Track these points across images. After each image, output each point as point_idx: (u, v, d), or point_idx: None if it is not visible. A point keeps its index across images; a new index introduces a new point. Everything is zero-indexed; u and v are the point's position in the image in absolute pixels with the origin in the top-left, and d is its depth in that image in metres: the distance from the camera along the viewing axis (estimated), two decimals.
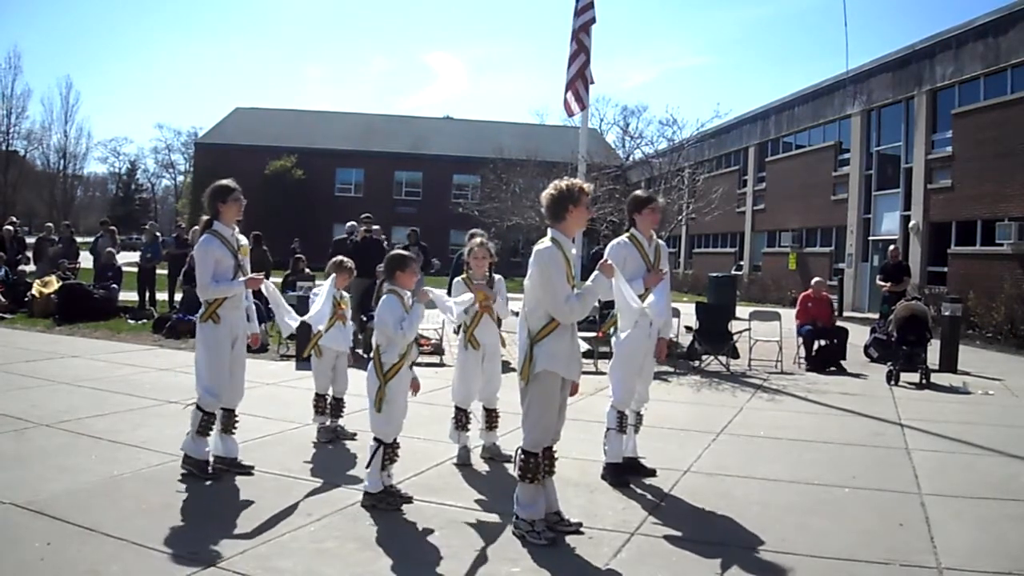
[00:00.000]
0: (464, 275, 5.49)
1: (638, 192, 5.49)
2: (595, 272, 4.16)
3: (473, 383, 5.45)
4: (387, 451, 4.39)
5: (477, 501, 4.61)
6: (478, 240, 5.53)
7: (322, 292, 5.52)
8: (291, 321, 5.20)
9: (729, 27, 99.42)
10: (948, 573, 3.70)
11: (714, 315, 11.32)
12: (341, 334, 5.95)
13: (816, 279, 11.64)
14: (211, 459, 4.89)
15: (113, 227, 17.66)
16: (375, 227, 11.83)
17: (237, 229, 5.00)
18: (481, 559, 3.73)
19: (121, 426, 6.01)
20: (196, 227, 11.50)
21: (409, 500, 4.45)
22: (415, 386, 4.65)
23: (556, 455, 4.19)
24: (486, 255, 5.45)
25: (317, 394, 5.99)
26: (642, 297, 4.80)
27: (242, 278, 4.90)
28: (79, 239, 19.18)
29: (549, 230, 4.09)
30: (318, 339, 5.85)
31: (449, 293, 5.11)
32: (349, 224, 12.10)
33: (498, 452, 5.50)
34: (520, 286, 4.20)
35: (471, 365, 5.44)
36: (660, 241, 5.30)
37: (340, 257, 6.13)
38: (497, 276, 5.55)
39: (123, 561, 3.51)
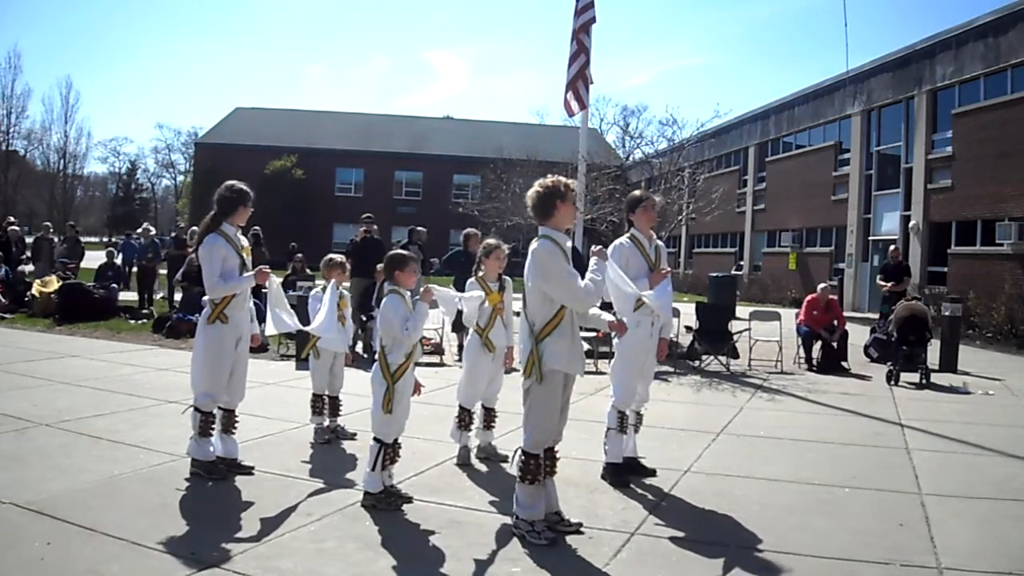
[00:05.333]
0: (479, 275, 5.49)
1: (633, 192, 5.52)
2: (593, 259, 4.19)
3: (481, 385, 5.46)
4: (388, 451, 4.39)
5: (477, 501, 4.61)
6: (495, 242, 5.56)
7: (325, 299, 5.44)
8: (288, 320, 5.03)
9: (729, 27, 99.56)
10: (948, 573, 3.70)
11: (714, 315, 11.31)
12: (339, 335, 5.94)
13: (822, 285, 11.55)
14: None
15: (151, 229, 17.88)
16: (374, 227, 11.84)
17: (239, 230, 5.01)
18: (481, 559, 3.73)
19: (121, 426, 6.01)
20: (194, 227, 11.54)
21: (409, 500, 4.45)
22: (417, 388, 4.64)
23: (557, 455, 4.19)
24: (505, 258, 5.49)
25: (314, 394, 5.99)
26: None
27: (248, 273, 4.89)
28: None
29: (540, 228, 4.10)
30: (316, 340, 5.85)
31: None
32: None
33: (494, 452, 5.50)
34: (521, 286, 4.20)
35: (482, 367, 5.44)
36: (659, 242, 5.32)
37: (330, 255, 6.16)
38: (505, 277, 5.58)
39: (123, 561, 3.51)
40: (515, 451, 4.11)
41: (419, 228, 13.58)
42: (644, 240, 5.16)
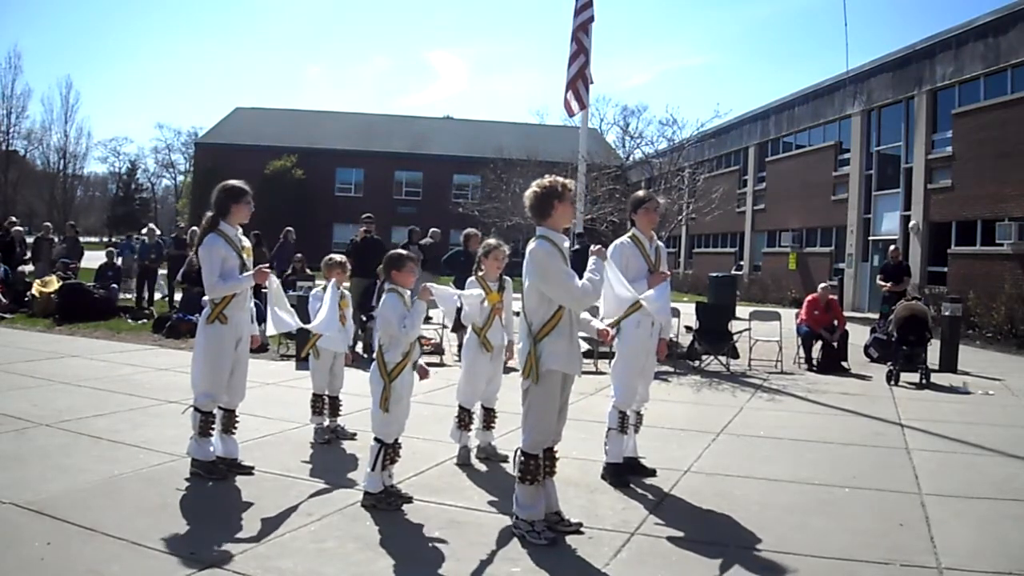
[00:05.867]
0: (479, 275, 5.49)
1: (637, 192, 5.52)
2: (592, 258, 4.19)
3: (480, 384, 5.46)
4: (388, 451, 4.39)
5: (477, 501, 4.61)
6: (495, 242, 5.56)
7: (326, 298, 5.44)
8: (288, 319, 5.03)
9: (729, 26, 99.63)
10: (948, 573, 3.70)
11: (714, 315, 11.31)
12: (339, 335, 5.94)
13: (822, 285, 11.55)
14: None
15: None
16: (374, 227, 11.84)
17: (240, 230, 5.00)
18: (481, 559, 3.73)
19: (121, 426, 6.01)
20: (195, 227, 11.57)
21: (409, 500, 4.45)
22: (423, 372, 4.63)
23: (557, 455, 4.19)
24: (504, 258, 5.49)
25: (315, 394, 5.99)
26: None
27: (247, 273, 4.89)
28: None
29: (537, 228, 4.10)
30: (316, 340, 5.85)
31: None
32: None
33: (493, 452, 5.51)
34: (520, 286, 4.20)
35: (480, 367, 5.45)
36: (659, 243, 5.32)
37: (331, 255, 6.16)
38: (505, 277, 5.58)
39: (123, 561, 3.51)
40: (515, 451, 4.11)
41: (434, 229, 13.55)
42: (644, 240, 5.16)
